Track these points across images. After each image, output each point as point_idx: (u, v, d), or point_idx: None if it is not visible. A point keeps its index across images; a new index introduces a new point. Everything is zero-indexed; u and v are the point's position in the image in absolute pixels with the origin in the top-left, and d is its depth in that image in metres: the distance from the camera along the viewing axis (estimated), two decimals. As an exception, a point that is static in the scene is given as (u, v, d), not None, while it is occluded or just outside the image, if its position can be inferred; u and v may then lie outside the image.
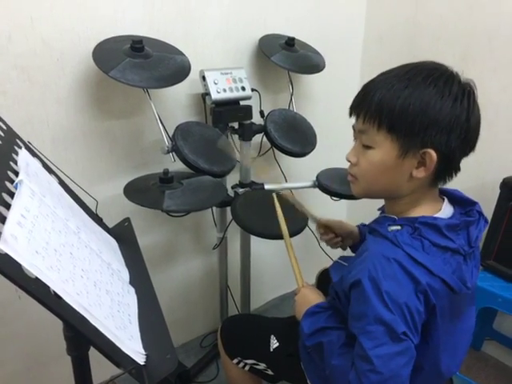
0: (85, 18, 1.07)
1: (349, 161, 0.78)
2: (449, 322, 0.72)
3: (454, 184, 0.76)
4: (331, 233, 1.03)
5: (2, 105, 1.02)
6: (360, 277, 0.67)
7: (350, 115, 0.75)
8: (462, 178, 0.75)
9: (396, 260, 0.67)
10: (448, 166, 0.71)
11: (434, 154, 0.68)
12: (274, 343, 0.99)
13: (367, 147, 0.73)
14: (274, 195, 1.02)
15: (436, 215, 0.74)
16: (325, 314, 0.81)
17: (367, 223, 1.02)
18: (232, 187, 1.41)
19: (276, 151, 1.45)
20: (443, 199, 0.78)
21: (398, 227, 0.72)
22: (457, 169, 0.73)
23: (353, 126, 0.76)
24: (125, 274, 0.78)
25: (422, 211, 0.74)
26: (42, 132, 1.10)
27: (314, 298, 0.87)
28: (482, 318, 1.40)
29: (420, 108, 0.67)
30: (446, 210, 0.75)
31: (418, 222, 0.71)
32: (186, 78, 1.13)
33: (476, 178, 1.47)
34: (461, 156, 0.71)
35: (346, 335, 0.75)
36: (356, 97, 0.74)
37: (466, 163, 0.73)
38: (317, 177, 1.45)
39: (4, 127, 0.74)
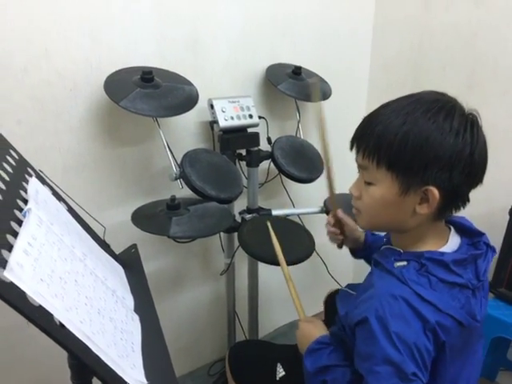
0: (98, 50, 1.12)
1: (352, 194, 0.77)
2: (458, 357, 0.70)
3: (462, 210, 0.74)
4: (339, 228, 1.00)
5: (16, 133, 1.05)
6: (367, 315, 0.66)
7: (351, 149, 0.75)
8: (469, 205, 0.73)
9: (403, 298, 0.65)
10: (454, 201, 0.70)
11: (436, 191, 0.66)
12: (280, 372, 0.98)
13: (368, 183, 0.72)
14: (269, 223, 1.01)
15: (442, 249, 0.72)
16: (326, 350, 0.80)
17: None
18: (239, 213, 1.42)
19: (283, 177, 1.46)
20: (449, 228, 0.76)
21: (404, 263, 0.71)
22: (464, 202, 0.71)
23: (355, 159, 0.75)
24: (129, 301, 0.78)
25: (427, 245, 0.73)
26: (55, 159, 1.13)
27: (313, 332, 0.85)
28: (495, 348, 1.36)
29: (419, 145, 0.65)
30: (452, 242, 0.74)
31: (425, 257, 0.69)
32: (193, 107, 1.16)
33: (484, 204, 1.46)
34: (467, 190, 0.69)
35: (352, 372, 0.73)
36: (355, 131, 0.74)
37: (473, 190, 0.71)
38: (324, 202, 1.45)
39: (16, 156, 0.77)
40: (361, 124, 0.73)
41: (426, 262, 0.69)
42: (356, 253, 1.04)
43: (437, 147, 0.64)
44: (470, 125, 0.66)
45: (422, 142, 0.65)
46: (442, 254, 0.70)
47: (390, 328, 0.63)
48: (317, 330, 0.85)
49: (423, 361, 0.64)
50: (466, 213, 0.77)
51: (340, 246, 1.04)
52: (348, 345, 0.76)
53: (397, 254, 0.74)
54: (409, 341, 0.63)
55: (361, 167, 0.74)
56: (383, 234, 0.93)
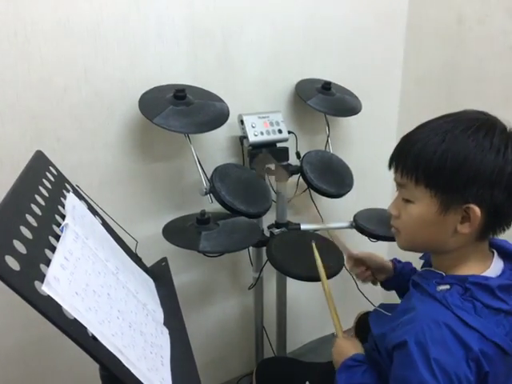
0: (134, 69, 1.16)
1: (390, 213, 0.76)
2: None
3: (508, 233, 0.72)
4: (362, 266, 0.99)
5: (55, 150, 1.11)
6: (406, 339, 0.64)
7: (390, 168, 0.74)
8: None
9: (446, 324, 0.63)
10: (496, 221, 0.68)
11: (477, 209, 0.64)
12: (309, 390, 0.97)
13: (407, 201, 0.71)
14: (313, 244, 0.99)
15: (485, 273, 0.70)
16: (361, 369, 0.78)
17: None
18: (268, 227, 1.43)
19: (312, 192, 1.46)
20: (492, 252, 0.74)
21: (447, 286, 0.68)
22: (508, 222, 0.69)
23: (394, 178, 0.75)
24: (159, 315, 0.80)
25: (471, 269, 0.70)
26: (91, 174, 1.17)
27: (350, 349, 0.84)
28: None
29: (458, 163, 0.64)
30: (496, 267, 0.71)
31: (469, 282, 0.67)
32: (224, 123, 1.19)
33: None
34: (511, 209, 0.67)
35: None
36: (394, 150, 0.74)
37: None
38: (354, 217, 1.43)
39: (55, 173, 0.81)
40: (399, 143, 0.73)
41: (471, 286, 0.66)
42: (386, 284, 1.01)
43: (477, 164, 0.64)
44: (511, 142, 0.65)
45: (461, 159, 0.64)
46: (487, 278, 0.68)
47: (429, 354, 0.61)
48: (353, 349, 0.84)
49: None
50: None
51: (375, 283, 1.02)
52: (382, 367, 0.75)
53: (438, 276, 0.71)
54: (449, 369, 0.60)
55: (399, 185, 0.73)
56: (421, 256, 0.91)
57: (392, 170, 0.74)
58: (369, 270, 0.99)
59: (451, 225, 0.68)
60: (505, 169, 0.64)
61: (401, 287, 0.92)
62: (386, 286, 1.01)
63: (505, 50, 1.41)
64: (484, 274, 0.70)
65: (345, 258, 1.01)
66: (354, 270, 1.01)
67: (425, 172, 0.67)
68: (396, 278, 0.97)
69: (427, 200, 0.68)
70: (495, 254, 0.73)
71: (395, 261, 1.00)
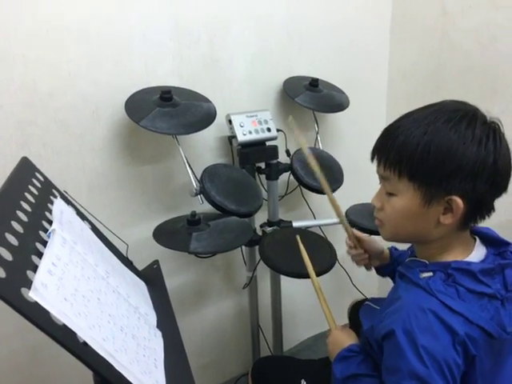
0: (119, 72, 1.15)
1: (374, 205, 0.77)
2: (489, 372, 0.68)
3: (488, 221, 0.73)
4: (360, 248, 0.99)
5: (42, 155, 1.09)
6: (394, 328, 0.65)
7: (372, 160, 0.74)
8: (497, 214, 0.72)
9: (431, 310, 0.64)
10: (478, 210, 0.69)
11: (459, 201, 0.65)
12: (305, 387, 0.97)
13: (390, 194, 0.72)
14: (298, 237, 1.01)
15: (468, 259, 0.71)
16: (357, 359, 0.79)
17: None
18: (260, 226, 1.43)
19: (303, 189, 1.46)
20: (474, 239, 0.75)
21: (430, 273, 0.69)
22: (489, 210, 0.70)
23: (376, 171, 0.75)
24: (152, 318, 0.79)
25: (453, 255, 0.71)
26: (79, 179, 1.16)
27: (346, 340, 0.84)
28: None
29: (441, 155, 0.64)
30: (478, 252, 0.72)
31: (452, 267, 0.68)
32: (212, 123, 1.18)
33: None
34: (492, 199, 0.68)
35: (379, 383, 0.72)
36: (376, 142, 0.74)
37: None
38: (345, 213, 1.43)
39: (41, 179, 0.80)
40: (381, 135, 0.73)
41: (453, 271, 0.67)
42: (382, 270, 1.02)
43: (459, 157, 0.64)
44: (492, 133, 0.66)
45: (444, 151, 0.64)
46: (469, 263, 0.69)
47: (417, 342, 0.62)
48: (349, 339, 0.84)
49: (452, 375, 0.62)
50: (493, 223, 0.75)
51: (369, 267, 1.03)
52: (375, 359, 0.75)
53: (422, 265, 0.72)
54: (437, 355, 0.62)
55: (382, 178, 0.73)
56: (407, 249, 0.92)
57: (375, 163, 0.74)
58: (366, 253, 0.99)
59: (434, 216, 0.68)
60: (486, 160, 0.64)
61: (396, 274, 0.92)
62: (382, 272, 1.02)
63: (489, 40, 1.42)
64: (467, 259, 0.71)
65: (347, 238, 1.01)
66: (351, 251, 1.01)
67: (408, 165, 0.67)
68: (391, 265, 0.98)
69: (410, 192, 0.68)
70: (477, 240, 0.75)
71: (393, 249, 1.01)
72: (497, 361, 0.70)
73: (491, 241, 0.75)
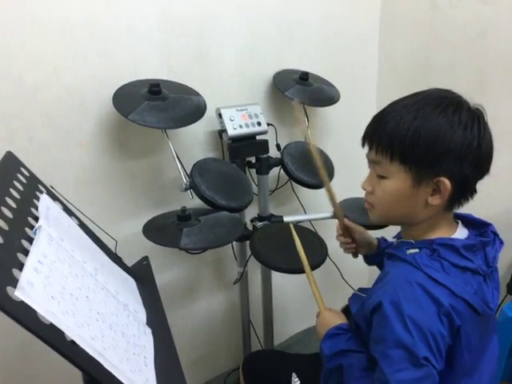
0: (105, 65, 1.13)
1: (364, 189, 0.79)
2: (474, 347, 0.70)
3: (473, 210, 0.76)
4: (349, 236, 1.02)
5: (28, 150, 1.07)
6: (381, 300, 0.68)
7: (363, 145, 0.77)
8: (481, 204, 0.76)
9: (418, 283, 0.67)
10: (463, 191, 0.72)
11: (447, 182, 0.68)
12: (296, 382, 0.97)
13: (381, 177, 0.74)
14: (291, 225, 1.02)
15: (452, 236, 0.74)
16: (345, 336, 0.80)
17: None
18: (251, 220, 1.42)
19: (294, 183, 1.45)
20: (457, 223, 0.78)
21: (417, 250, 0.73)
22: (472, 192, 0.74)
23: (366, 155, 0.77)
24: (142, 315, 0.78)
25: (438, 234, 0.75)
26: (66, 174, 1.14)
27: (334, 319, 0.85)
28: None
29: (431, 139, 0.68)
30: (461, 232, 0.76)
31: (436, 243, 0.71)
32: (201, 117, 1.17)
33: (499, 202, 1.43)
34: (475, 181, 0.72)
35: (367, 358, 0.73)
36: (367, 127, 0.76)
37: (488, 189, 0.73)
38: (333, 213, 1.43)
39: (27, 174, 0.78)
40: (372, 121, 0.76)
41: (438, 247, 0.71)
42: (369, 258, 1.04)
43: (448, 140, 0.67)
44: (476, 118, 0.70)
45: (434, 135, 0.68)
46: (453, 239, 0.73)
47: (403, 312, 0.65)
48: (338, 319, 0.85)
49: (437, 346, 0.64)
50: (483, 213, 0.78)
51: (355, 255, 1.06)
52: (363, 339, 0.77)
53: (409, 244, 0.75)
54: (422, 325, 0.64)
55: (373, 162, 0.76)
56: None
57: (366, 150, 0.77)
58: (354, 242, 1.03)
59: (423, 197, 0.71)
60: (472, 143, 0.68)
61: (383, 264, 0.93)
62: (369, 260, 1.05)
63: (477, 34, 1.42)
64: (451, 237, 0.74)
65: (337, 225, 1.04)
66: (340, 238, 1.04)
67: (399, 149, 0.70)
68: (379, 255, 1.00)
69: (402, 175, 0.71)
70: (460, 223, 0.78)
71: (382, 239, 1.03)
72: (482, 338, 0.72)
73: (473, 223, 0.79)
